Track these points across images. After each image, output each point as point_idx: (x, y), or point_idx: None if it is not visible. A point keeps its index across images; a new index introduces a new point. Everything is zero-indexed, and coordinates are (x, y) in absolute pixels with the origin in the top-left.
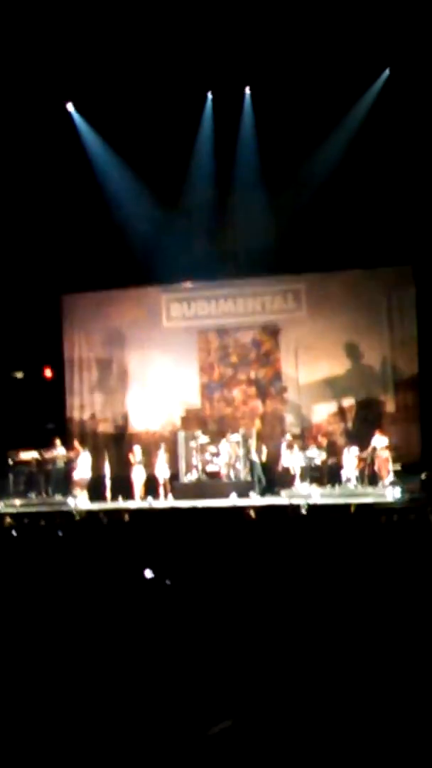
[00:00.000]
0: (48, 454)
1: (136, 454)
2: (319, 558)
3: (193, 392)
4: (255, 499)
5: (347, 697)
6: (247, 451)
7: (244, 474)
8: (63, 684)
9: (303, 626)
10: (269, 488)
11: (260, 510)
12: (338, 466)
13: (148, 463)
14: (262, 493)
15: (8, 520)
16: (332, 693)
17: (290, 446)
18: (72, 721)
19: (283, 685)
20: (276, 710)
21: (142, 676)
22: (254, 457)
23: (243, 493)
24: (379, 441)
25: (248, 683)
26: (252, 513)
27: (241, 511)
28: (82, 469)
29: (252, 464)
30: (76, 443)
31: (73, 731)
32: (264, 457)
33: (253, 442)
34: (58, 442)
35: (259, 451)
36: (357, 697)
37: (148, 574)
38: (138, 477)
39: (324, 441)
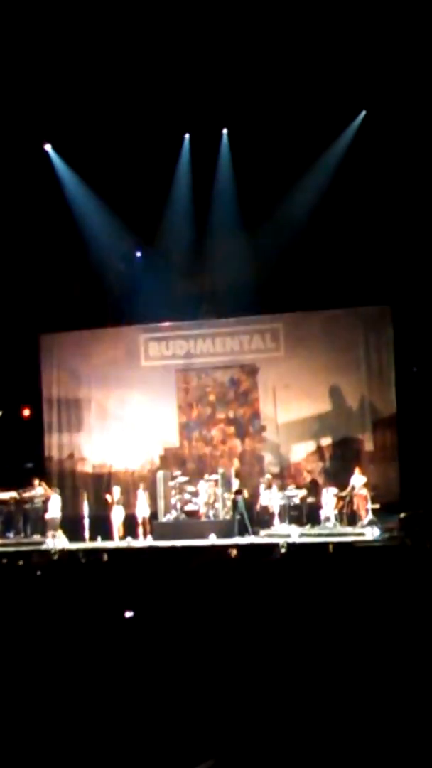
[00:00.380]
0: (26, 494)
1: (115, 493)
2: (296, 598)
3: (172, 431)
4: (234, 539)
5: (329, 736)
6: (228, 490)
7: (223, 514)
8: (43, 723)
9: (283, 664)
10: (249, 528)
11: (240, 550)
12: (317, 505)
13: (127, 502)
14: (243, 533)
15: None
16: (314, 732)
17: (269, 485)
18: (52, 759)
19: (265, 724)
20: (257, 750)
21: (121, 716)
22: (238, 497)
23: (222, 533)
24: (358, 480)
25: (229, 722)
26: (233, 553)
27: (220, 551)
28: (53, 510)
29: (235, 504)
30: (44, 485)
31: None
32: (244, 496)
33: (235, 482)
34: (36, 481)
35: (240, 491)
36: (339, 737)
37: (128, 614)
38: (117, 517)
39: (308, 477)
